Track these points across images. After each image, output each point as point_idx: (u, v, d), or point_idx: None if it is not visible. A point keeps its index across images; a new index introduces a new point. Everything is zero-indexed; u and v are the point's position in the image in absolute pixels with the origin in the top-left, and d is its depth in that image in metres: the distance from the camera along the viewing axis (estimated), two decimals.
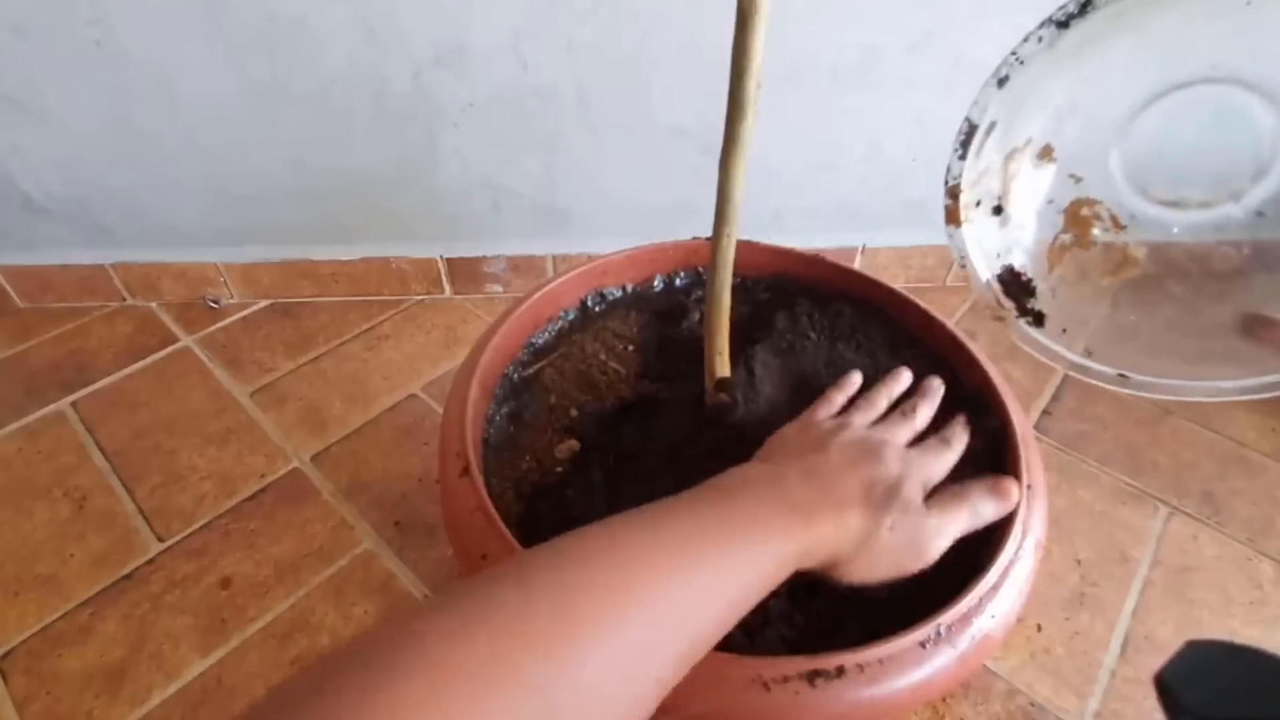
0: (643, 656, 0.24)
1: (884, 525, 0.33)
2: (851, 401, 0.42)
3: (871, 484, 0.34)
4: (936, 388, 0.43)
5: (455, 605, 0.22)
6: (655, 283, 0.58)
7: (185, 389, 0.73)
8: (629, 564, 0.25)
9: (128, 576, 0.57)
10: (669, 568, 0.25)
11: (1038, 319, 0.42)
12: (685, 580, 0.26)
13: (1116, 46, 0.34)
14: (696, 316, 0.52)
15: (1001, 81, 0.36)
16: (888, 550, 0.33)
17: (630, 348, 0.51)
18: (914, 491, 0.35)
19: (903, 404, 0.42)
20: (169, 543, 0.59)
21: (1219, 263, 0.37)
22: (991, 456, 0.43)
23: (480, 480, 0.38)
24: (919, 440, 0.39)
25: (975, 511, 0.36)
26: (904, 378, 0.44)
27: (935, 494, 0.36)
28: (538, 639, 0.21)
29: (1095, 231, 0.39)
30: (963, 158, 0.39)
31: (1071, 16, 0.33)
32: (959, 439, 0.40)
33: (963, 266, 0.42)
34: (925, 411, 0.41)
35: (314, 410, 0.71)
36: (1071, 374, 0.40)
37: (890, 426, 0.39)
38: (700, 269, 0.58)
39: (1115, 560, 0.59)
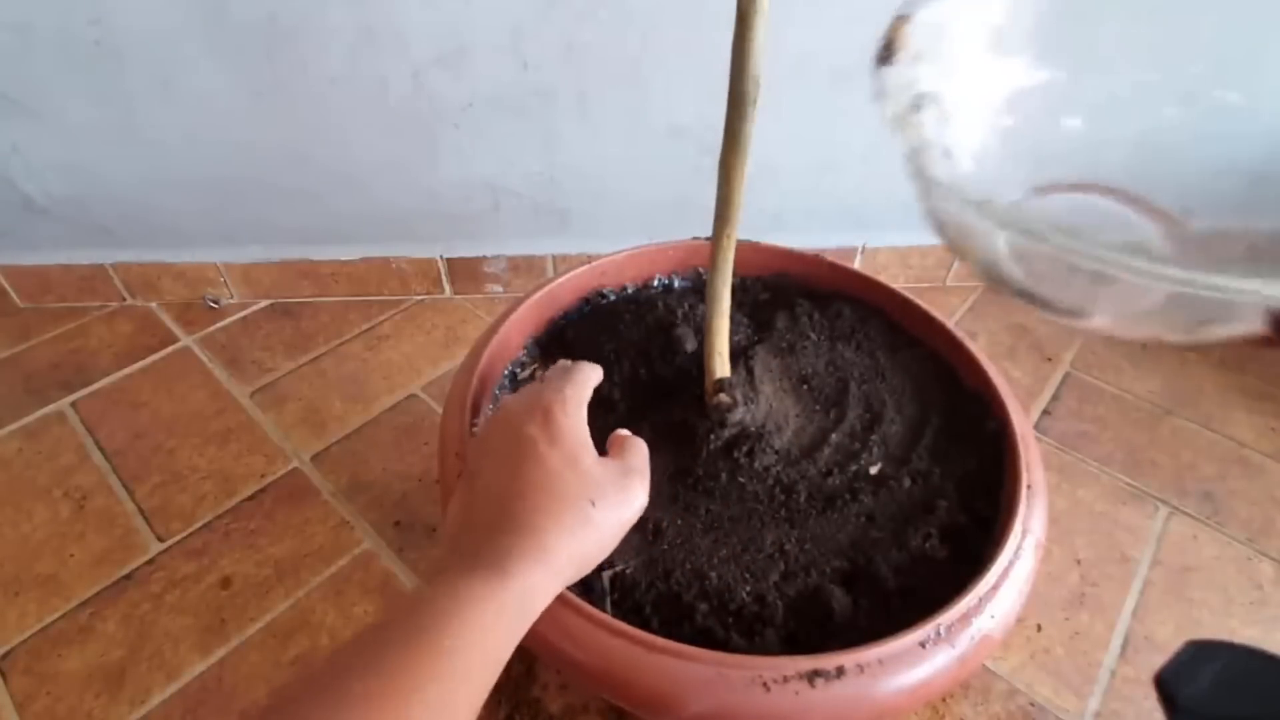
0: None
1: (583, 509, 0.32)
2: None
3: (540, 489, 0.33)
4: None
5: None
6: (655, 283, 0.58)
7: (185, 389, 0.73)
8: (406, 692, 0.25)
9: (128, 576, 0.57)
10: (432, 673, 0.26)
11: None
12: (460, 673, 0.26)
13: None
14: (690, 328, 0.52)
15: None
16: (608, 520, 0.33)
17: (630, 348, 0.51)
18: (578, 457, 0.34)
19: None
20: (169, 543, 0.59)
21: None
22: (992, 456, 0.43)
23: None
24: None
25: (642, 475, 0.36)
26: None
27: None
28: None
29: None
30: None
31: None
32: (585, 368, 0.40)
33: None
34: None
35: (314, 410, 0.71)
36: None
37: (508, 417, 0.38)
38: (700, 269, 0.58)
39: (1115, 560, 0.59)
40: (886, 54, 0.29)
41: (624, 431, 0.39)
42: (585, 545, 0.32)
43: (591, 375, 0.40)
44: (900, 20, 0.28)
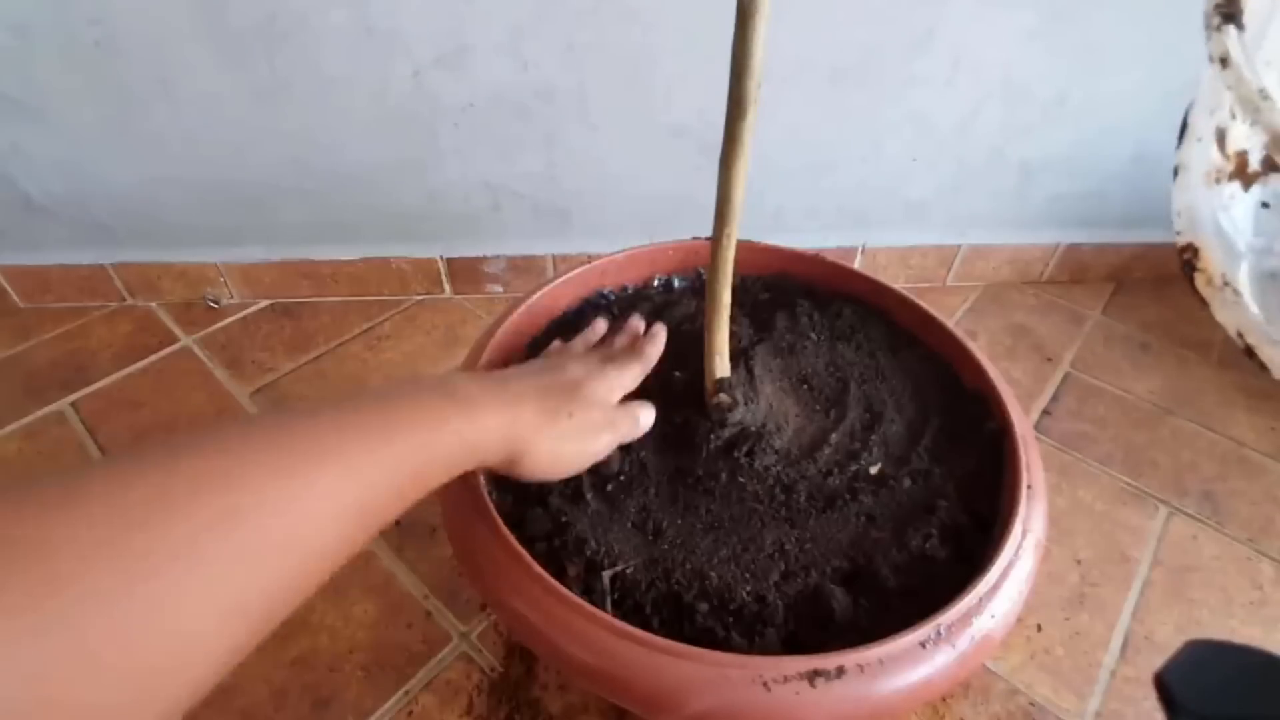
0: (230, 567, 0.20)
1: (563, 413, 0.35)
2: None
3: (549, 385, 0.37)
4: (635, 326, 0.49)
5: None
6: (655, 283, 0.58)
7: (185, 389, 0.73)
8: (244, 461, 0.22)
9: None
10: (289, 463, 0.23)
11: None
12: (311, 474, 0.23)
13: None
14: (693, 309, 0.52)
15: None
16: (573, 435, 0.36)
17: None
18: (598, 392, 0.38)
19: (607, 338, 0.47)
20: None
21: None
22: (992, 456, 0.43)
23: (480, 480, 0.38)
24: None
25: (637, 415, 0.41)
26: (596, 326, 0.49)
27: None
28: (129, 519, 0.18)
29: None
30: None
31: None
32: (651, 351, 0.45)
33: None
34: (622, 338, 0.47)
35: None
36: None
37: (564, 350, 0.45)
38: (700, 269, 0.58)
39: (1115, 560, 0.59)
40: (1229, 11, 0.31)
41: (643, 404, 0.42)
42: (539, 438, 0.34)
43: (638, 369, 0.43)
44: None
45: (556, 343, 0.47)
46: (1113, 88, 0.73)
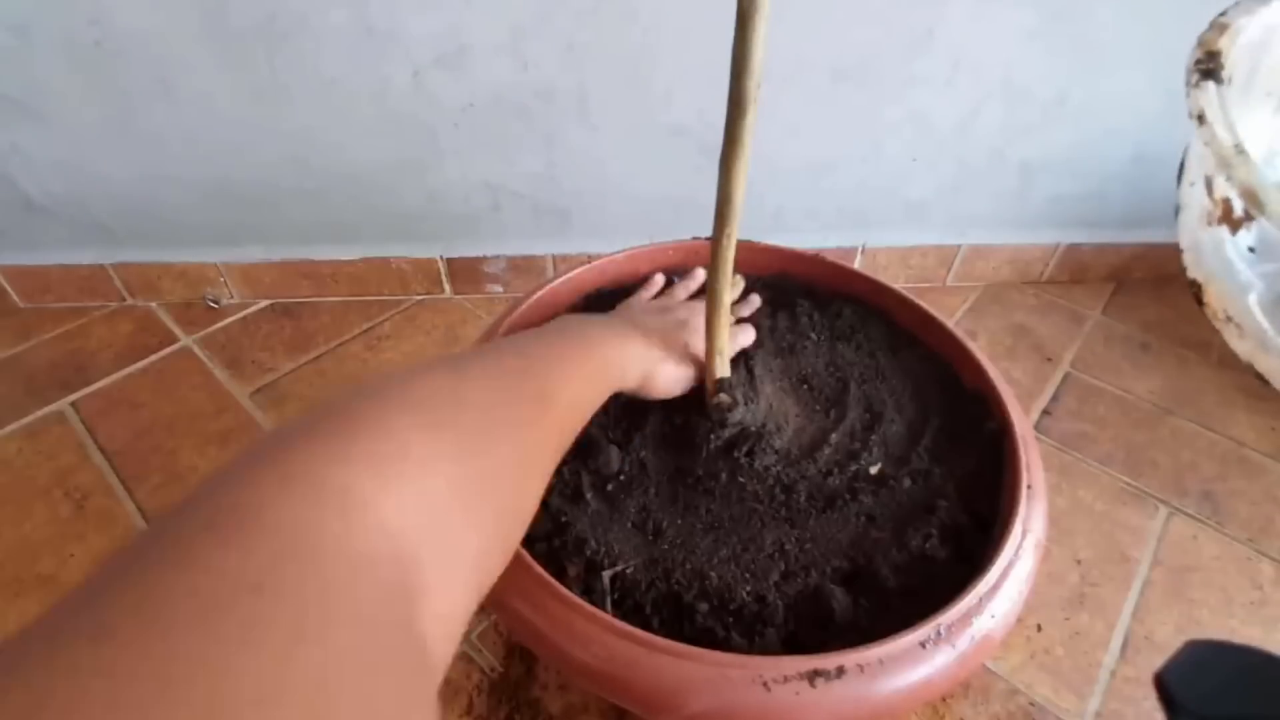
0: (548, 438, 0.31)
1: (680, 343, 0.44)
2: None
3: (665, 324, 0.45)
4: (696, 273, 0.55)
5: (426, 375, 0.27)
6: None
7: (185, 389, 0.73)
8: (545, 374, 0.33)
9: None
10: (563, 377, 0.34)
11: None
12: (576, 387, 0.34)
13: None
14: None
15: None
16: (681, 361, 0.44)
17: None
18: (695, 327, 0.45)
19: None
20: None
21: None
22: (992, 456, 0.43)
23: None
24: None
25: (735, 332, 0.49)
26: (658, 279, 0.56)
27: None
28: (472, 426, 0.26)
29: None
30: None
31: None
32: (747, 307, 0.54)
33: None
34: (693, 284, 0.55)
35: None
36: None
37: (670, 293, 0.53)
38: (700, 269, 0.58)
39: (1115, 560, 0.59)
40: (1209, 68, 0.32)
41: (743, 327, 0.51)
42: (666, 363, 0.43)
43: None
44: (1219, 28, 0.31)
45: (642, 292, 0.54)
46: (1113, 88, 0.73)
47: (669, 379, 0.43)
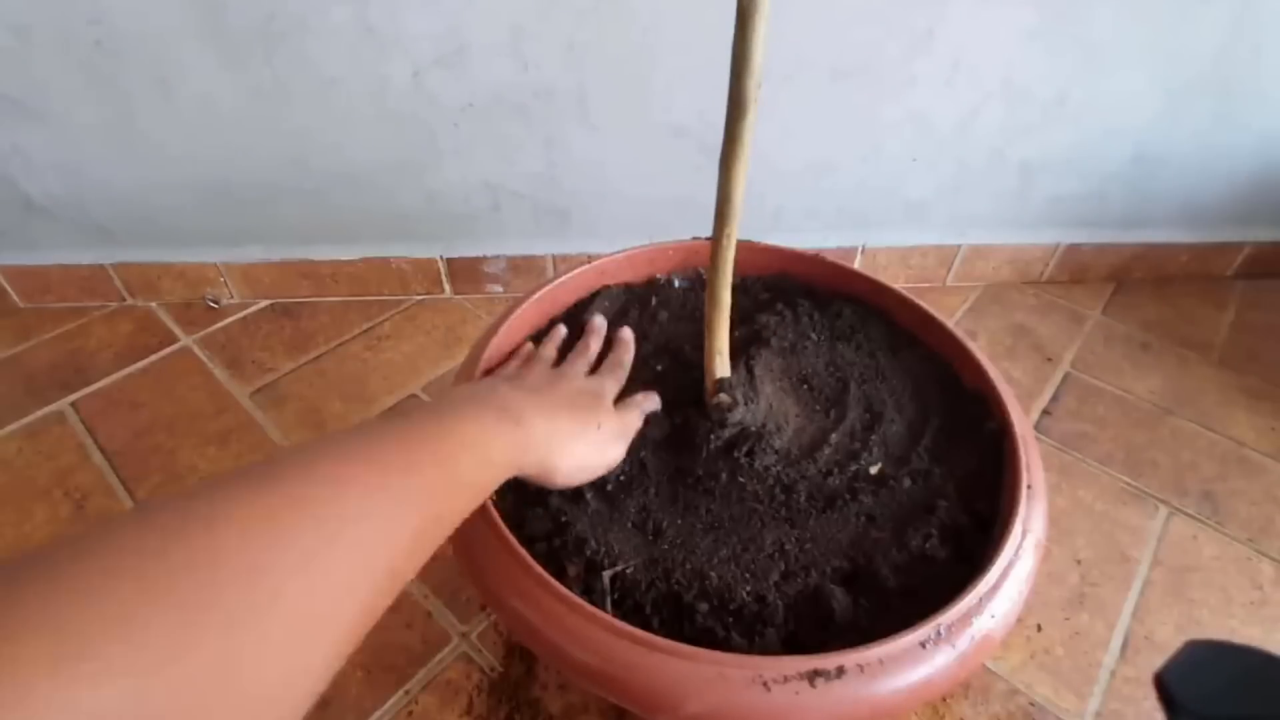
0: (335, 573, 0.21)
1: (592, 424, 0.38)
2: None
3: (577, 393, 0.40)
4: (596, 326, 0.50)
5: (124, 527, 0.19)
6: (656, 281, 0.58)
7: (185, 389, 0.73)
8: (322, 480, 0.23)
9: None
10: (365, 480, 0.24)
11: None
12: (385, 492, 0.24)
13: None
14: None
15: None
16: (599, 445, 0.38)
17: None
18: (610, 400, 0.42)
19: (579, 345, 0.48)
20: None
21: None
22: (992, 456, 0.43)
23: None
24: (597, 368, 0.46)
25: (640, 409, 0.44)
26: (559, 332, 0.50)
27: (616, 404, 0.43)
28: (204, 550, 0.19)
29: None
30: None
31: None
32: (626, 353, 0.48)
33: None
34: (594, 343, 0.48)
35: (314, 410, 0.71)
36: None
37: (570, 363, 0.45)
38: (700, 269, 0.58)
39: (1115, 560, 0.59)
40: None
41: (638, 397, 0.45)
42: (574, 446, 0.37)
43: (624, 373, 0.47)
44: None
45: (529, 345, 0.49)
46: (1113, 88, 0.73)
47: (579, 464, 0.37)
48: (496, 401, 0.34)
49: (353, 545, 0.22)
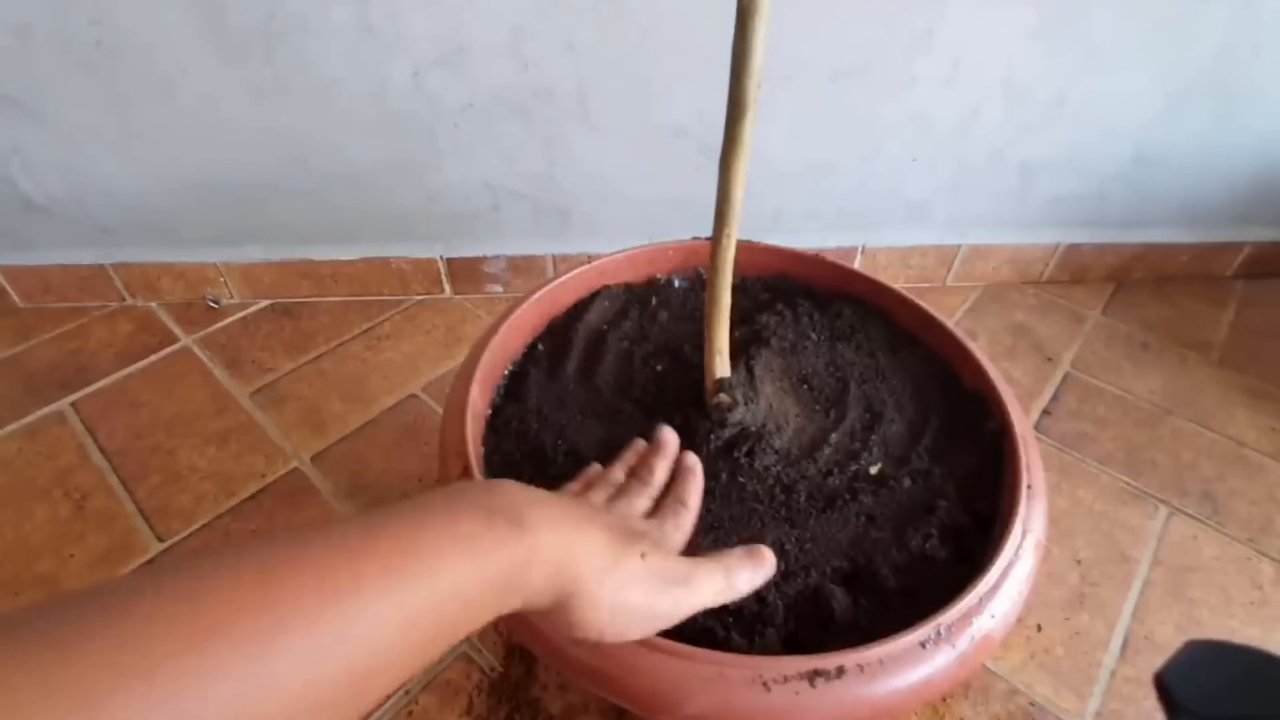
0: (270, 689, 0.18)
1: (635, 551, 0.28)
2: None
3: (615, 520, 0.30)
4: (666, 439, 0.41)
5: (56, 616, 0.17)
6: (656, 281, 0.58)
7: (185, 389, 0.73)
8: (273, 583, 0.19)
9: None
10: (319, 588, 0.19)
11: None
12: (342, 605, 0.20)
13: None
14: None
15: None
16: (640, 584, 0.27)
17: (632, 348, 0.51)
18: (672, 537, 0.32)
19: (639, 469, 0.39)
20: (169, 543, 0.59)
21: None
22: (992, 456, 0.43)
23: (479, 479, 0.38)
24: (662, 503, 0.37)
25: (729, 575, 0.32)
26: (637, 446, 0.42)
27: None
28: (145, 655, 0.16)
29: None
30: None
31: None
32: (693, 494, 0.37)
33: None
34: (661, 469, 0.38)
35: (314, 410, 0.71)
36: None
37: (630, 498, 0.36)
38: (700, 269, 0.58)
39: (1115, 560, 0.59)
40: None
41: (737, 552, 0.34)
42: (603, 578, 0.26)
43: (690, 521, 0.36)
44: None
45: (595, 468, 0.40)
46: (1113, 88, 0.73)
47: (602, 612, 0.27)
48: (491, 499, 0.25)
49: (270, 682, 0.18)
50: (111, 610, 0.17)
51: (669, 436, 0.41)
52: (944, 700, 0.50)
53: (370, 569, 0.21)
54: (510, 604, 0.24)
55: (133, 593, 0.18)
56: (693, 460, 0.40)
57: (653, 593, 0.28)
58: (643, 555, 0.28)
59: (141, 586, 0.18)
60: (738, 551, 0.33)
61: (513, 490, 0.27)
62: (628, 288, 0.56)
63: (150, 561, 0.58)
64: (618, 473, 0.39)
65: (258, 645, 0.18)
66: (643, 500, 0.36)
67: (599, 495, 0.36)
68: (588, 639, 0.27)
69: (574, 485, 0.38)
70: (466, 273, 0.84)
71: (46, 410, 0.71)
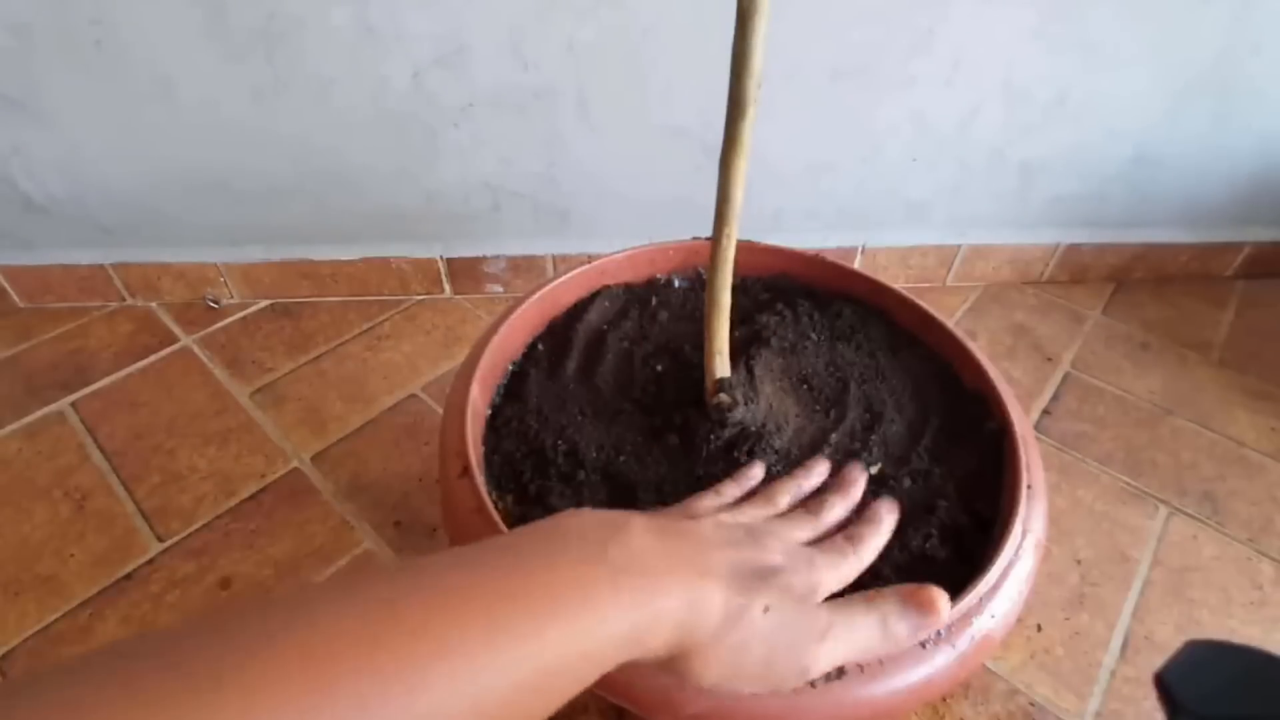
0: None
1: (757, 605, 0.25)
2: (752, 495, 0.35)
3: (742, 562, 0.26)
4: (854, 479, 0.37)
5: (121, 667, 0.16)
6: (656, 281, 0.58)
7: (185, 389, 0.73)
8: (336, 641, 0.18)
9: (128, 577, 0.57)
10: (409, 648, 0.18)
11: None
12: (439, 663, 0.19)
13: None
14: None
15: None
16: (762, 641, 0.25)
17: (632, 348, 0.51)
18: (798, 584, 0.27)
19: (810, 500, 0.35)
20: (169, 543, 0.59)
21: None
22: (992, 456, 0.43)
23: (480, 480, 0.38)
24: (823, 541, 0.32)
25: (885, 623, 0.27)
26: (818, 469, 0.38)
27: (836, 599, 0.29)
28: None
29: None
30: None
31: None
32: (870, 545, 0.32)
33: None
34: (838, 509, 0.34)
35: (314, 410, 0.71)
36: None
37: (788, 522, 0.32)
38: (700, 269, 0.58)
39: (1115, 560, 0.59)
40: None
41: (892, 595, 0.29)
42: (722, 633, 0.24)
43: (853, 569, 0.31)
44: None
45: (710, 494, 0.35)
46: (1114, 88, 0.73)
47: (721, 667, 0.25)
48: (617, 552, 0.23)
49: None
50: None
51: (856, 476, 0.36)
52: (944, 700, 0.50)
53: (502, 638, 0.20)
54: (630, 657, 0.23)
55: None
56: (886, 512, 0.34)
57: (777, 650, 0.25)
58: (766, 609, 0.25)
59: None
60: (898, 591, 0.29)
61: (637, 534, 0.25)
62: (628, 288, 0.56)
63: (150, 562, 0.58)
64: (783, 497, 0.35)
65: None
66: (804, 532, 0.32)
67: (755, 510, 0.33)
68: (700, 686, 0.26)
69: (731, 488, 0.35)
70: (466, 273, 0.84)
71: (46, 410, 0.71)
